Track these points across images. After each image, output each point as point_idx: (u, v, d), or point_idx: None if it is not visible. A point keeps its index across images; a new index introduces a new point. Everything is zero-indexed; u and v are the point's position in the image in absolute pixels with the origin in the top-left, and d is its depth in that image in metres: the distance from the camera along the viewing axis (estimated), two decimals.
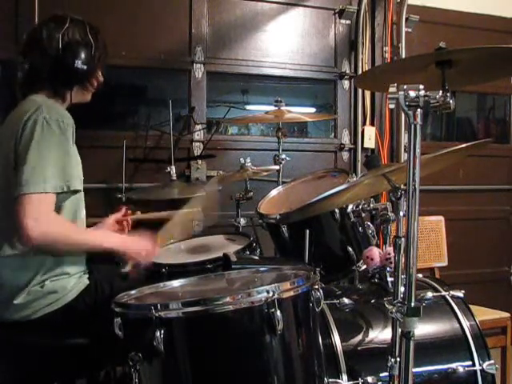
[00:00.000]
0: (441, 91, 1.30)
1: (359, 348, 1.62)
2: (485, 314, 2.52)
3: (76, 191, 1.66)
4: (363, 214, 2.00)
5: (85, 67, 1.71)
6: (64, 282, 1.66)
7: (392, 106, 1.29)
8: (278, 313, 1.24)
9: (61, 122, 1.61)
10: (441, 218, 3.05)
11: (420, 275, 1.86)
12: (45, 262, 1.63)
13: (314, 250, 1.90)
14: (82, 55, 1.71)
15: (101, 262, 1.91)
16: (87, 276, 1.75)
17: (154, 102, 3.37)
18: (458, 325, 1.69)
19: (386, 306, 1.40)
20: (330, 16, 3.53)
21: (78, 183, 1.66)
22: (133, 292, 1.50)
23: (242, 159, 2.53)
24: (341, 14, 3.53)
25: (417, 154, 1.29)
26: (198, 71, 3.23)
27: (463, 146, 1.52)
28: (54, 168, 1.57)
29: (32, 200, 1.52)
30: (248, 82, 3.49)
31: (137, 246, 1.76)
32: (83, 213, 1.77)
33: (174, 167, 2.73)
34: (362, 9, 3.51)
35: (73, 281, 1.68)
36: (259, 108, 3.45)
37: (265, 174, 2.65)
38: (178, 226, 2.05)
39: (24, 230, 1.51)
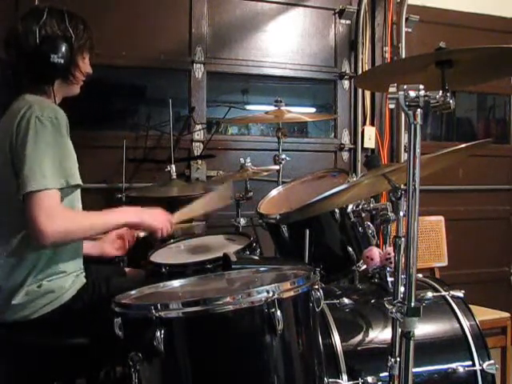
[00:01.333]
0: (441, 91, 1.30)
1: (359, 348, 1.62)
2: (485, 314, 2.52)
3: (75, 186, 1.65)
4: (363, 214, 2.00)
5: (61, 61, 1.68)
6: (61, 282, 1.66)
7: (392, 106, 1.29)
8: (278, 313, 1.24)
9: (54, 118, 1.60)
10: (441, 218, 3.05)
11: (420, 275, 1.86)
12: (39, 260, 1.63)
13: (314, 250, 1.90)
14: (59, 48, 1.68)
15: (99, 262, 1.92)
16: (84, 275, 1.75)
17: (153, 102, 3.37)
18: (458, 325, 1.69)
19: (386, 305, 1.40)
20: (329, 16, 3.54)
21: (77, 178, 1.65)
22: (133, 292, 1.50)
23: (242, 159, 2.52)
24: (341, 14, 3.53)
25: (417, 154, 1.29)
26: (198, 71, 3.23)
27: (463, 145, 1.52)
28: (53, 165, 1.57)
29: (39, 198, 1.52)
30: (248, 82, 3.49)
31: (152, 217, 1.78)
32: (80, 209, 1.77)
33: (173, 166, 2.73)
34: (362, 9, 3.51)
35: (70, 280, 1.68)
36: (259, 108, 3.45)
37: (265, 173, 2.64)
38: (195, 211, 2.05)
39: (38, 230, 1.51)
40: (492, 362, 1.64)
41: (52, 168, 1.56)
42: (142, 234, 1.86)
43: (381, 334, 1.64)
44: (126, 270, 2.07)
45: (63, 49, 1.69)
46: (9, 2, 2.85)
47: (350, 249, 1.98)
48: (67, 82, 1.77)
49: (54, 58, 1.67)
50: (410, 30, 3.60)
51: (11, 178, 1.58)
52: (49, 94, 1.73)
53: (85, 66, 1.80)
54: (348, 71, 3.55)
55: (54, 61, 1.67)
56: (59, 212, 1.56)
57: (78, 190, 1.74)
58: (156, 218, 1.79)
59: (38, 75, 1.71)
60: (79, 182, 1.65)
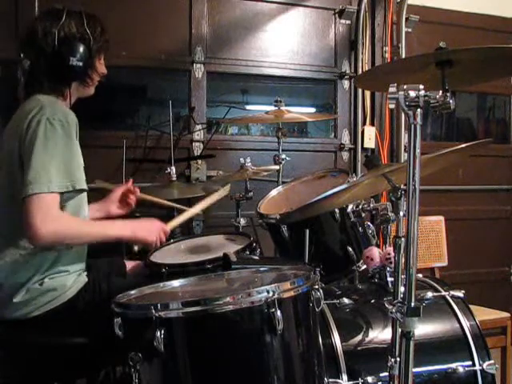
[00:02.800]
0: (441, 91, 1.30)
1: (359, 348, 1.62)
2: (485, 314, 2.51)
3: (81, 190, 1.66)
4: (363, 214, 2.00)
5: (80, 63, 1.69)
6: (63, 280, 1.66)
7: (392, 106, 1.29)
8: (278, 313, 1.24)
9: (64, 121, 1.60)
10: (441, 217, 3.05)
11: (420, 275, 1.86)
12: (45, 261, 1.64)
13: (314, 249, 1.90)
14: (78, 51, 1.69)
15: (100, 256, 1.92)
16: (86, 274, 1.75)
17: (154, 101, 3.37)
18: (458, 325, 1.69)
19: (386, 305, 1.40)
20: (330, 16, 3.54)
21: (83, 182, 1.66)
22: (133, 292, 1.50)
23: (241, 159, 2.52)
24: (341, 14, 3.53)
25: (417, 154, 1.29)
26: (198, 71, 3.23)
27: (463, 145, 1.52)
28: (59, 168, 1.57)
29: (38, 200, 1.52)
30: (248, 82, 3.49)
31: (145, 230, 1.77)
32: (86, 212, 1.78)
33: (173, 167, 2.73)
34: (362, 9, 3.51)
35: (72, 278, 1.69)
36: (259, 108, 3.45)
37: (265, 173, 2.64)
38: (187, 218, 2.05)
39: (32, 231, 1.52)
40: (492, 362, 1.65)
41: (59, 171, 1.57)
42: (136, 248, 1.86)
43: (381, 334, 1.64)
44: (126, 262, 2.06)
45: (82, 51, 1.70)
46: (9, 2, 2.85)
47: (350, 249, 1.98)
48: (84, 83, 1.78)
49: (73, 60, 1.69)
50: (409, 30, 3.60)
51: (20, 179, 1.58)
52: (65, 96, 1.74)
53: (101, 67, 1.82)
54: (348, 71, 3.55)
55: (73, 63, 1.69)
56: (54, 215, 1.56)
57: (85, 195, 1.75)
58: (149, 230, 1.78)
59: (56, 77, 1.71)
60: (84, 186, 1.66)
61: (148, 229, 1.79)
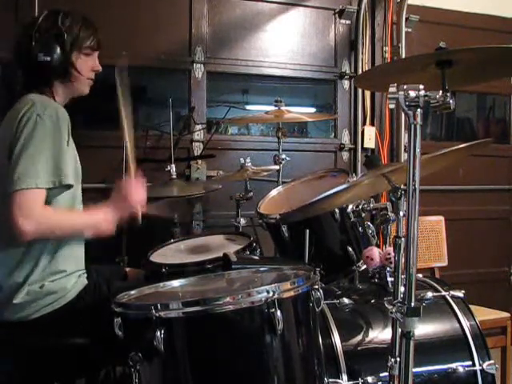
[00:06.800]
0: (441, 91, 1.30)
1: (359, 348, 1.62)
2: (485, 314, 2.52)
3: (69, 186, 1.65)
4: (363, 214, 2.00)
5: (48, 58, 1.67)
6: (63, 282, 1.66)
7: (392, 106, 1.29)
8: (278, 313, 1.24)
9: (54, 116, 1.60)
10: (441, 218, 3.05)
11: (420, 275, 1.86)
12: (40, 259, 1.64)
13: (314, 249, 1.90)
14: (47, 46, 1.68)
15: (100, 262, 1.92)
16: (86, 276, 1.75)
17: (154, 101, 3.37)
18: (457, 325, 1.69)
19: (386, 305, 1.40)
20: (330, 16, 3.53)
21: (71, 178, 1.65)
22: (133, 292, 1.50)
23: (242, 159, 2.53)
24: (341, 13, 3.53)
25: (417, 154, 1.29)
26: (198, 71, 3.23)
27: (463, 145, 1.52)
28: (47, 163, 1.57)
29: (24, 196, 1.53)
30: (248, 81, 3.49)
31: (125, 206, 1.75)
32: (80, 208, 1.77)
33: (173, 165, 2.72)
34: (362, 9, 3.51)
35: (72, 280, 1.69)
36: (259, 108, 3.45)
37: (265, 173, 2.65)
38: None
39: (17, 226, 1.52)
40: (492, 362, 1.65)
41: (46, 167, 1.57)
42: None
43: (381, 334, 1.64)
44: (127, 269, 2.07)
45: (52, 46, 1.69)
46: (9, 2, 2.85)
47: (350, 249, 1.98)
48: (65, 81, 1.76)
49: (41, 56, 1.67)
50: (409, 30, 3.60)
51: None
52: (51, 95, 1.74)
53: (83, 63, 1.77)
54: (348, 71, 3.55)
55: (41, 59, 1.67)
56: (38, 211, 1.56)
57: (78, 190, 1.74)
58: (129, 204, 1.75)
59: (34, 76, 1.71)
60: (71, 182, 1.65)
61: (127, 203, 1.75)
